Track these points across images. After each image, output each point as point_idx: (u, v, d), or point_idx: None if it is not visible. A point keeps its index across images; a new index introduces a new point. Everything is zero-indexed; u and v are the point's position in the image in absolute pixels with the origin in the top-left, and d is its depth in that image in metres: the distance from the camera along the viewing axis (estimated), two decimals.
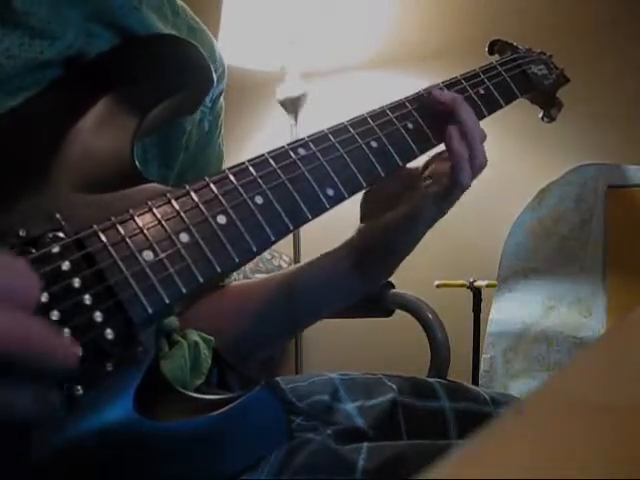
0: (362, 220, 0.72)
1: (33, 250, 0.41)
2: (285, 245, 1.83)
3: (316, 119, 1.80)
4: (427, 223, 0.69)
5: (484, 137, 0.66)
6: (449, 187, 0.65)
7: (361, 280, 0.72)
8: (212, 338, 0.65)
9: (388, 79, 1.99)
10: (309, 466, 0.49)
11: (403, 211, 0.68)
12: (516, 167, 1.87)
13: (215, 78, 0.61)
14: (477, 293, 1.60)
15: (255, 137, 2.15)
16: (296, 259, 1.88)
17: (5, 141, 0.48)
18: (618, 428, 0.21)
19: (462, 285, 1.60)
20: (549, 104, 0.83)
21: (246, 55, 1.86)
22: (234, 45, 1.78)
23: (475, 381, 1.52)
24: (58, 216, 0.43)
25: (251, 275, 1.70)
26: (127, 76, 0.55)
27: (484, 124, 0.69)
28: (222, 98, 0.73)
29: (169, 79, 0.56)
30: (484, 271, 1.60)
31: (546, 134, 1.70)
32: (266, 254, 1.84)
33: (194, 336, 0.64)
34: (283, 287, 0.72)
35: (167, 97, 0.55)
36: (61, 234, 0.42)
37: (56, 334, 0.37)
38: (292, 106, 1.87)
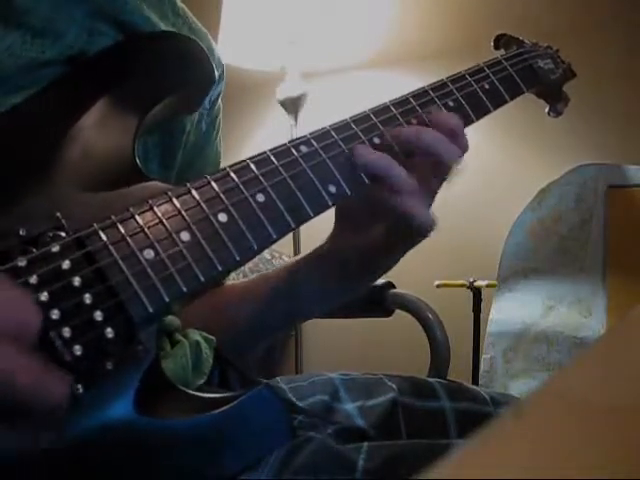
0: (336, 236, 0.67)
1: (34, 249, 0.41)
2: (285, 245, 1.83)
3: (316, 119, 1.79)
4: (406, 247, 0.65)
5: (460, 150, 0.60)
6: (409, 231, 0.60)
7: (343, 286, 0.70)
8: (213, 338, 0.65)
9: (388, 79, 1.99)
10: (309, 466, 0.49)
11: (379, 235, 0.63)
12: (516, 167, 1.87)
13: (217, 75, 0.61)
14: (477, 293, 1.60)
15: (255, 137, 2.16)
16: None
17: (5, 139, 0.48)
18: (618, 428, 0.21)
19: (462, 285, 1.60)
20: (555, 98, 0.82)
21: (246, 55, 1.86)
22: (234, 45, 1.78)
23: (475, 381, 1.52)
24: (58, 215, 0.43)
25: (251, 275, 1.70)
26: (129, 73, 0.55)
27: (485, 122, 0.68)
28: (220, 100, 0.73)
29: (171, 76, 0.56)
30: (484, 271, 1.60)
31: (546, 134, 1.70)
32: (266, 254, 1.84)
33: (196, 336, 0.64)
34: (282, 280, 0.71)
35: (169, 94, 0.55)
36: (62, 233, 0.42)
37: (47, 373, 0.37)
38: (292, 106, 1.87)
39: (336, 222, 0.67)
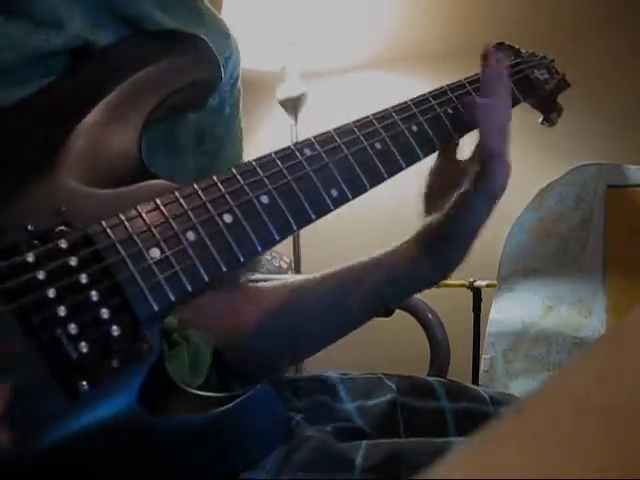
0: (424, 214, 0.71)
1: (41, 245, 0.41)
2: (285, 246, 1.83)
3: (316, 119, 1.81)
4: (480, 212, 0.70)
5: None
6: (483, 163, 0.67)
7: (430, 268, 0.73)
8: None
9: (388, 79, 1.99)
10: (308, 464, 0.49)
11: (453, 204, 0.67)
12: (516, 167, 1.87)
13: (223, 73, 0.60)
14: (477, 293, 1.60)
15: (255, 137, 2.15)
16: (296, 260, 1.88)
17: (12, 133, 0.48)
18: (618, 428, 0.21)
19: (462, 285, 1.60)
20: (550, 109, 0.83)
21: (246, 55, 1.85)
22: None
23: (475, 381, 1.52)
24: (65, 210, 0.43)
25: (250, 275, 1.70)
26: (134, 71, 0.55)
27: None
28: (240, 82, 0.74)
29: (176, 74, 0.56)
30: (484, 271, 1.60)
31: (546, 134, 1.69)
32: (266, 254, 1.84)
33: (194, 337, 0.64)
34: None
35: (174, 92, 0.55)
36: (69, 229, 0.42)
37: None
38: (292, 106, 1.87)
39: (423, 203, 0.71)
